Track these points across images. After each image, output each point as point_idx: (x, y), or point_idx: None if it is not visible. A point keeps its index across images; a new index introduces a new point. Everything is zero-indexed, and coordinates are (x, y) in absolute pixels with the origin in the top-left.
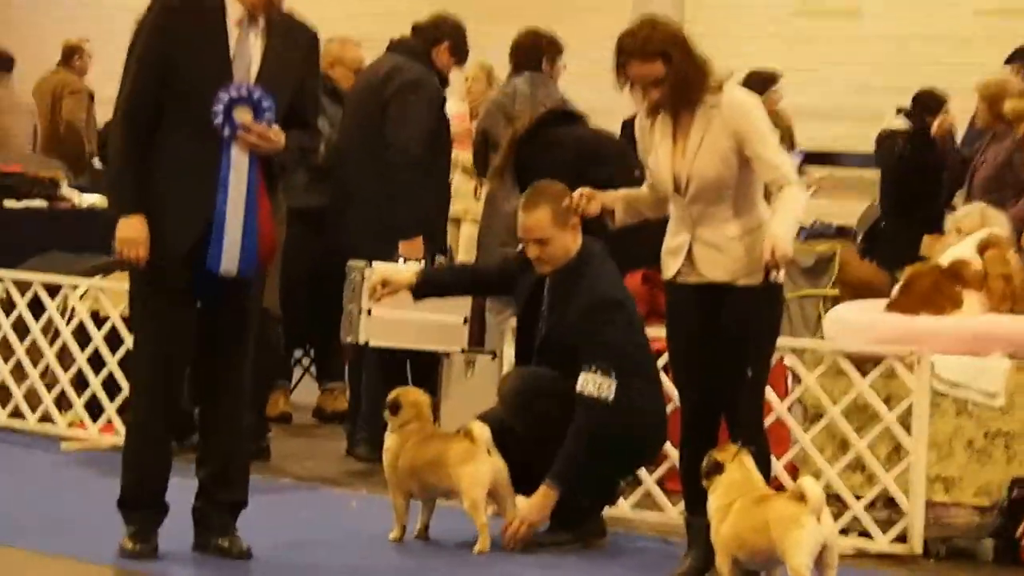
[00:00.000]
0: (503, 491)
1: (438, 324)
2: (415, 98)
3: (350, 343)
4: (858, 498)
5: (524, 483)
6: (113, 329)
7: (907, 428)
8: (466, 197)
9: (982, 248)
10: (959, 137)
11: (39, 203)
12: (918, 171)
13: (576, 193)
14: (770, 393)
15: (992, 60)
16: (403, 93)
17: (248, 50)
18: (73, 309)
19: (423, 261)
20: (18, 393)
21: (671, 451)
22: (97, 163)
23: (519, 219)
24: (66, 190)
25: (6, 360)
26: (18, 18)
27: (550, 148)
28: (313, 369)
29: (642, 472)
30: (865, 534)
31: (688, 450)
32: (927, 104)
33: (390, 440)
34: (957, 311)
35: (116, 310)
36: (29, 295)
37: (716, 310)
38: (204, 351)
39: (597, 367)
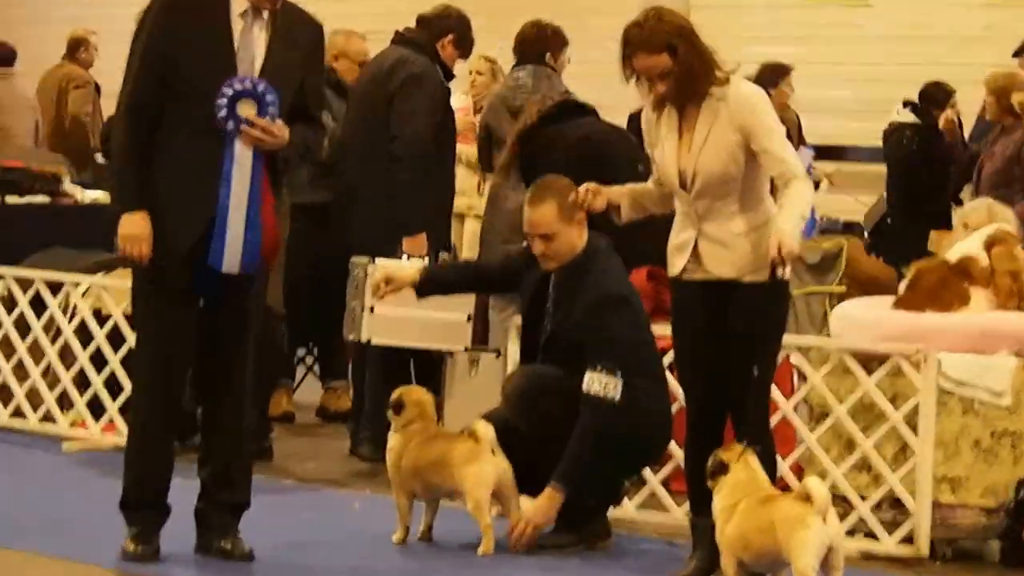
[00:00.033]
0: (507, 492)
1: (441, 322)
2: (420, 92)
3: (353, 341)
4: (863, 498)
5: (529, 483)
6: (115, 327)
7: (913, 427)
8: (470, 193)
9: (989, 244)
10: (967, 131)
11: (41, 199)
12: (925, 165)
13: (582, 188)
14: (776, 392)
15: (1000, 53)
16: (407, 86)
17: (252, 43)
18: (75, 307)
19: (427, 258)
20: (19, 392)
21: (676, 452)
22: (100, 158)
23: (525, 214)
24: (68, 186)
25: (7, 359)
26: (20, 11)
27: (554, 143)
28: (316, 368)
29: (647, 473)
30: (871, 535)
31: (693, 450)
32: (934, 97)
33: (393, 440)
34: (964, 308)
35: (118, 308)
36: (31, 293)
37: (722, 307)
38: (206, 350)
39: (603, 366)
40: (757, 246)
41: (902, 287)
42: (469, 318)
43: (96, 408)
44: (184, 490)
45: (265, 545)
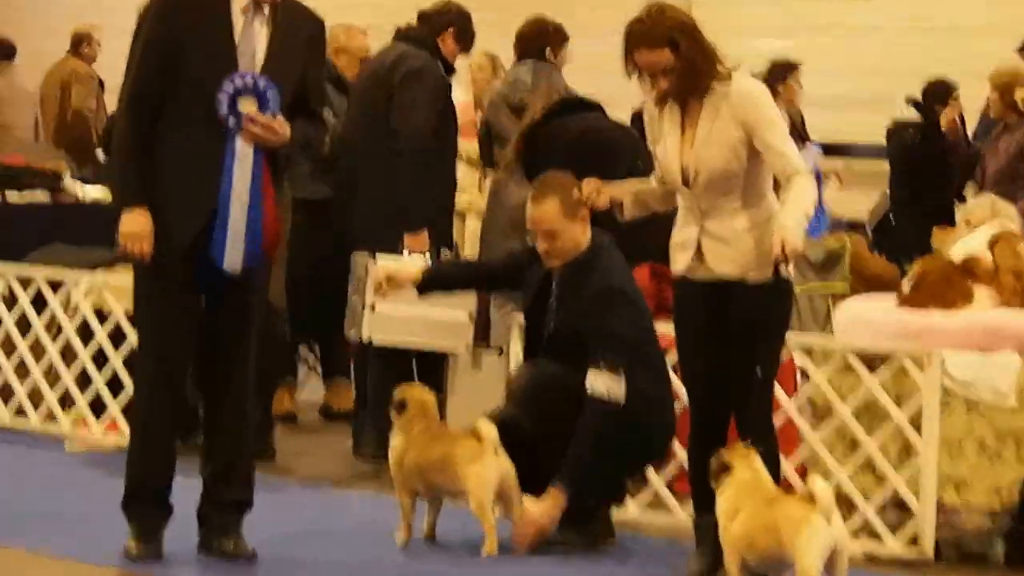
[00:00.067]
0: (510, 492)
1: (443, 321)
2: (420, 87)
3: (355, 339)
4: (867, 499)
5: (532, 482)
6: (117, 326)
7: (917, 427)
8: (470, 190)
9: (993, 242)
10: (971, 127)
11: (41, 196)
12: (928, 162)
13: (585, 185)
14: (779, 391)
15: (1004, 47)
16: (408, 81)
17: (253, 39)
18: (76, 305)
19: (428, 254)
20: (21, 391)
21: (679, 452)
22: (101, 155)
23: (528, 211)
24: (69, 183)
25: (8, 357)
26: (22, 5)
27: (555, 138)
28: (318, 366)
29: (650, 473)
30: (875, 536)
31: (697, 450)
32: (937, 94)
33: (396, 439)
34: (968, 306)
35: (120, 306)
36: (32, 291)
37: (725, 306)
38: (208, 347)
39: (606, 364)
40: (760, 243)
41: (905, 285)
42: (470, 317)
43: (98, 407)
44: (186, 489)
45: (267, 544)
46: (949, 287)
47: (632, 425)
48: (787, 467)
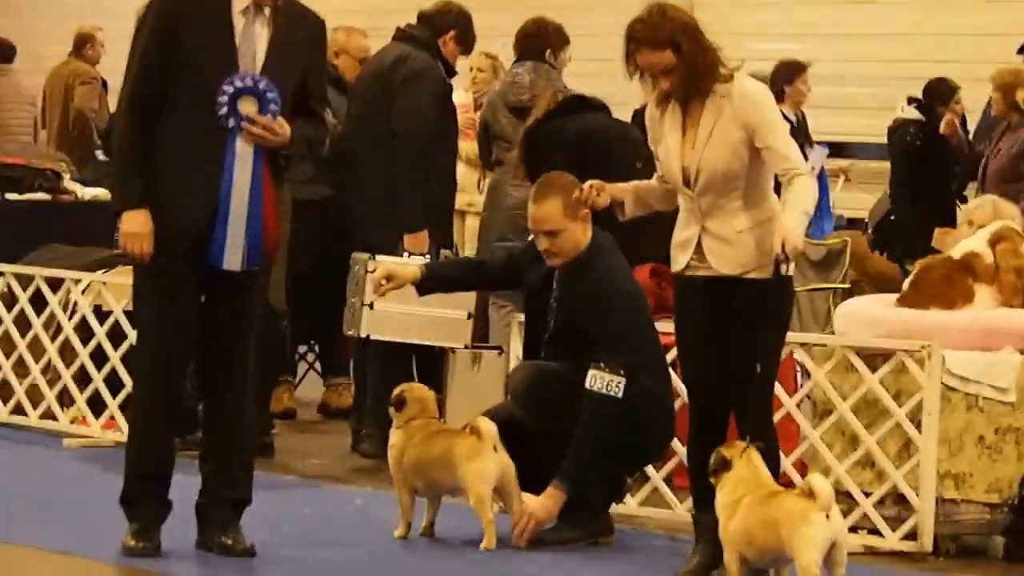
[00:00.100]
0: (509, 488)
1: (441, 319)
2: (421, 88)
3: (354, 337)
4: (867, 495)
5: (532, 479)
6: (116, 324)
7: (917, 424)
8: (470, 190)
9: (994, 241)
10: (973, 126)
11: (41, 196)
12: (929, 162)
13: (586, 185)
14: (779, 389)
15: (1005, 51)
16: (409, 82)
17: (253, 40)
18: (75, 304)
19: (428, 255)
20: (20, 389)
21: (679, 448)
22: (100, 155)
23: (529, 211)
24: (68, 182)
25: (7, 356)
26: (21, 7)
27: (555, 138)
28: (318, 364)
29: (650, 469)
30: (875, 531)
31: (696, 446)
32: (938, 94)
33: (395, 436)
34: (968, 305)
35: (119, 304)
36: (31, 289)
37: (725, 304)
38: (207, 346)
39: (606, 363)
40: (761, 242)
41: (906, 284)
42: (469, 316)
43: (97, 405)
44: (185, 486)
45: (266, 541)
46: (950, 286)
47: (632, 424)
48: (787, 463)
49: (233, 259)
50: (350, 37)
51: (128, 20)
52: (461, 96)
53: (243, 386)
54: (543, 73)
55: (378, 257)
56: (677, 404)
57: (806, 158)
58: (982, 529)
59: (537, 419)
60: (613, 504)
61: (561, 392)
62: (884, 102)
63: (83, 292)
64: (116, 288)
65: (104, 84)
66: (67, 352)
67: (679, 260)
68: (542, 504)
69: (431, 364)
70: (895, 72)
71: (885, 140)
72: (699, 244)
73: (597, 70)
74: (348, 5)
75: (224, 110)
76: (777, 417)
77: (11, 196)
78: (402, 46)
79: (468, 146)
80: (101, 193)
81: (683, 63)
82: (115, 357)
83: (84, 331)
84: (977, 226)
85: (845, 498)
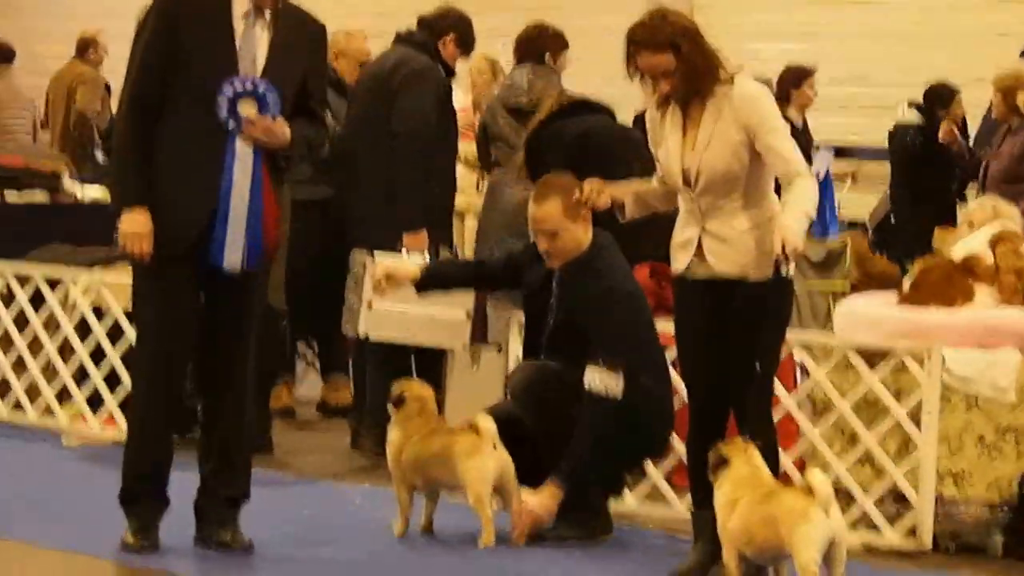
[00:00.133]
0: (508, 486)
1: (440, 318)
2: (421, 90)
3: (351, 336)
4: (866, 492)
5: (532, 477)
6: (115, 322)
7: (917, 423)
8: (469, 191)
9: (994, 242)
10: (973, 127)
11: (41, 197)
12: (929, 165)
13: (586, 186)
14: (779, 387)
15: (1008, 53)
16: (409, 85)
17: (254, 43)
18: (74, 302)
19: (427, 253)
20: (19, 387)
21: (678, 445)
22: (99, 156)
23: (529, 211)
24: (68, 183)
25: (7, 354)
26: (20, 8)
27: (555, 139)
28: (317, 362)
29: (649, 467)
30: (874, 529)
31: (695, 444)
32: (939, 97)
33: (394, 434)
34: (968, 304)
35: (118, 303)
36: (30, 288)
37: (725, 305)
38: (207, 345)
39: (605, 362)
40: (761, 243)
41: (906, 284)
42: (468, 315)
43: (95, 403)
44: (184, 483)
45: (265, 538)
46: (950, 285)
47: (631, 423)
48: (786, 461)
49: (233, 259)
50: (350, 40)
51: (129, 20)
52: (461, 98)
53: (243, 386)
54: (542, 76)
55: (377, 254)
56: (676, 402)
57: (810, 162)
58: (981, 527)
59: (537, 418)
60: (612, 502)
61: (561, 392)
62: (884, 103)
63: (82, 291)
64: (115, 287)
65: (107, 87)
66: (66, 350)
67: (679, 260)
68: (540, 501)
69: (430, 361)
70: (895, 75)
71: (884, 141)
72: (699, 244)
73: (596, 72)
74: (348, 9)
75: (224, 111)
76: (776, 415)
77: (10, 196)
78: (402, 49)
79: (468, 148)
80: (100, 194)
81: (683, 65)
82: (114, 355)
83: (83, 330)
84: (977, 227)
85: (844, 496)
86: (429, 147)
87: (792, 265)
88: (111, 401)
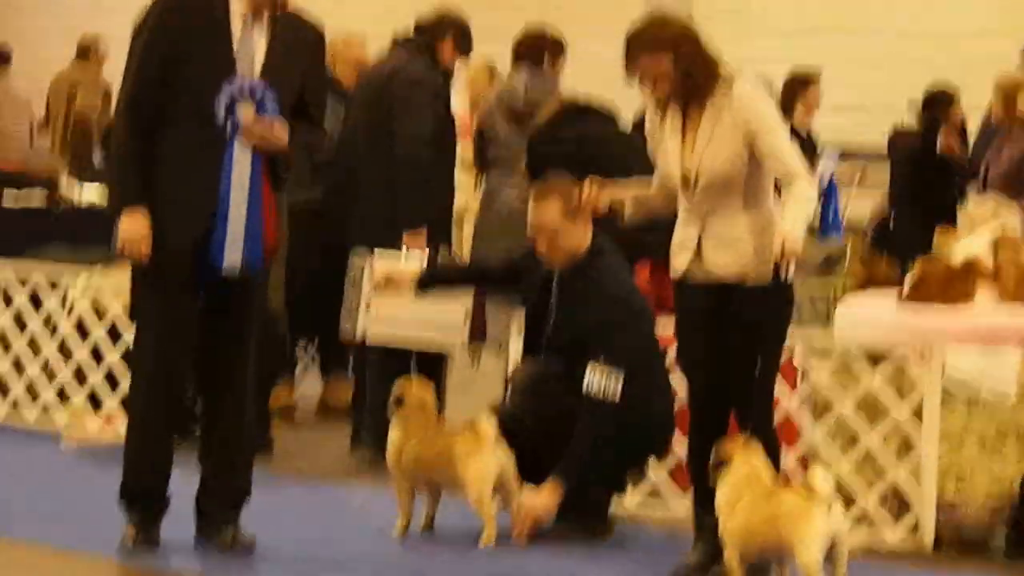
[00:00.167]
0: (509, 485)
1: (438, 319)
2: (419, 92)
3: (349, 336)
4: (868, 491)
5: (533, 475)
6: (114, 323)
7: (918, 423)
8: (466, 193)
9: (994, 242)
10: (973, 127)
11: (38, 198)
12: (930, 168)
13: (586, 187)
14: (780, 388)
15: (1008, 52)
16: (407, 88)
17: (252, 46)
18: (73, 303)
19: (426, 252)
20: (18, 387)
21: (678, 445)
22: (97, 157)
23: (529, 213)
24: (66, 187)
25: (5, 354)
26: (19, 10)
27: (554, 145)
28: (317, 361)
29: (650, 467)
30: (875, 528)
31: (696, 444)
32: (939, 101)
33: (394, 433)
34: (969, 305)
35: (117, 304)
36: (29, 288)
37: (724, 307)
38: (207, 345)
39: (604, 363)
40: (760, 245)
41: (906, 285)
42: (467, 315)
43: (94, 403)
44: (185, 481)
45: (266, 537)
46: (950, 286)
47: (631, 424)
48: (787, 461)
49: (232, 261)
50: (348, 45)
51: (129, 20)
52: (458, 101)
53: (243, 386)
54: (539, 79)
55: (376, 254)
56: (677, 404)
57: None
58: (982, 527)
59: (537, 418)
60: (614, 500)
61: (561, 392)
62: (884, 106)
63: (81, 292)
64: (114, 287)
65: (107, 90)
66: (65, 351)
67: (678, 262)
68: (541, 501)
69: (430, 362)
70: (895, 75)
71: (884, 142)
72: (699, 246)
73: (595, 74)
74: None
75: (222, 114)
76: (777, 416)
77: (8, 199)
78: (400, 52)
79: (464, 150)
80: (98, 195)
81: (682, 69)
82: (113, 355)
83: (82, 330)
84: (978, 227)
85: (846, 496)
86: (428, 150)
87: (792, 269)
88: (110, 401)
